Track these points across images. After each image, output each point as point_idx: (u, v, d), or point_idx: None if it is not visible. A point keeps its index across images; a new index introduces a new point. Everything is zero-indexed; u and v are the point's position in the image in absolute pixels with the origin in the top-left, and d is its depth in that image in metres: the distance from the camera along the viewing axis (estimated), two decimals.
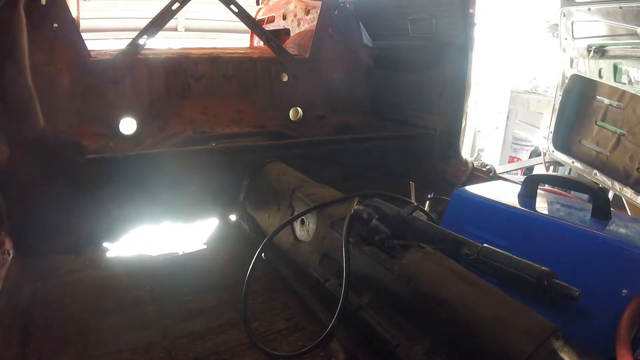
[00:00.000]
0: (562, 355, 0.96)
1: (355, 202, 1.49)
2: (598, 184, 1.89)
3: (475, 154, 5.82)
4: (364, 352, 1.36)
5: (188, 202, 2.10)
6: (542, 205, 1.60)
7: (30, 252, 1.77)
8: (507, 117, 5.66)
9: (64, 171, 1.83)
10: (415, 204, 1.55)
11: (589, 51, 2.37)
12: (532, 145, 5.74)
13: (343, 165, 2.47)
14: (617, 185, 2.36)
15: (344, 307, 1.31)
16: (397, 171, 2.65)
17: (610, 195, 2.37)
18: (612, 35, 2.22)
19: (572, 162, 2.70)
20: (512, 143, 5.80)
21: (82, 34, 2.49)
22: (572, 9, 2.39)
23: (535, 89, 5.72)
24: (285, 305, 1.72)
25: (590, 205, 1.49)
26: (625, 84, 2.20)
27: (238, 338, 1.54)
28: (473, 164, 2.64)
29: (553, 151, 2.83)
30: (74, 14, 2.56)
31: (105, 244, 2.02)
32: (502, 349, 1.00)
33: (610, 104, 2.47)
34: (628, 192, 2.30)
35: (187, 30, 5.59)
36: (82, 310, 1.65)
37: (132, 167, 1.95)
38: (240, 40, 5.08)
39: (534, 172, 3.20)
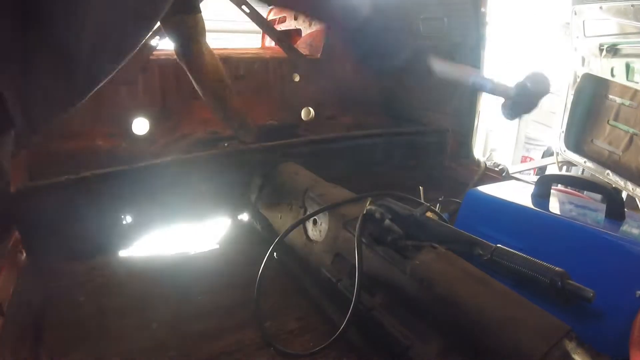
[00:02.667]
0: (575, 356, 0.95)
1: (368, 202, 1.49)
2: (611, 184, 1.88)
3: (488, 154, 5.80)
4: (375, 353, 1.36)
5: (200, 204, 2.11)
6: (555, 206, 1.59)
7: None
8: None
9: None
10: (428, 204, 1.54)
11: (600, 50, 2.36)
12: (544, 145, 5.70)
13: (352, 163, 2.47)
14: (630, 185, 2.34)
15: (356, 307, 1.31)
16: (406, 166, 2.64)
17: (624, 195, 2.35)
18: (624, 34, 2.20)
19: (585, 162, 2.69)
20: (525, 142, 5.77)
21: None
22: (584, 7, 2.37)
23: None
24: (297, 305, 1.72)
25: (604, 206, 1.49)
26: (637, 82, 2.19)
27: (250, 338, 1.55)
28: (485, 164, 2.63)
29: (565, 151, 2.81)
30: None
31: (119, 252, 2.03)
32: (515, 349, 0.99)
33: (622, 103, 2.45)
34: None
35: None
36: (94, 310, 1.66)
37: (142, 178, 1.96)
38: (252, 40, 5.08)
39: (547, 172, 3.18)
